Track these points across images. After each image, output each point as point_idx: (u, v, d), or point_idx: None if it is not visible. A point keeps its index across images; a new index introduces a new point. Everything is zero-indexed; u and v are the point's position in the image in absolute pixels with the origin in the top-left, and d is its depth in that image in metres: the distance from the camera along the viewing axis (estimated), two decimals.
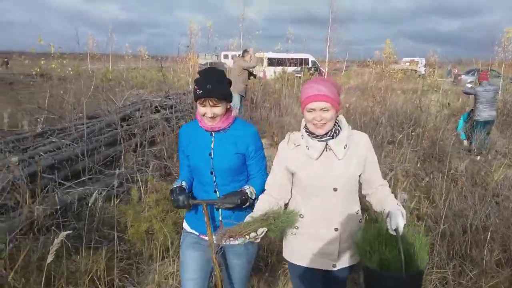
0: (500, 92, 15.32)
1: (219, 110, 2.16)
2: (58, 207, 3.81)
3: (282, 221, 1.99)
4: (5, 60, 17.78)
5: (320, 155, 2.05)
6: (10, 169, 3.76)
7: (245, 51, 9.69)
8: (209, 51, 20.74)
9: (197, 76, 2.18)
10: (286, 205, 2.22)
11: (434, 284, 3.01)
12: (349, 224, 2.11)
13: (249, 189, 2.19)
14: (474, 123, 8.32)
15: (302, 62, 23.71)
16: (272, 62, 22.82)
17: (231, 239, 1.90)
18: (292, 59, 20.91)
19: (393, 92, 13.79)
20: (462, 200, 4.26)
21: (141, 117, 6.36)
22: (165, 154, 6.17)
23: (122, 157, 5.62)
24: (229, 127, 2.26)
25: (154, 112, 7.79)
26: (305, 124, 2.10)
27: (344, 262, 2.14)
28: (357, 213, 2.17)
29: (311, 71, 20.60)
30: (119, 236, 3.50)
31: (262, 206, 2.09)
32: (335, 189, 2.05)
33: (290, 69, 19.29)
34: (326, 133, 2.04)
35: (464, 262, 3.24)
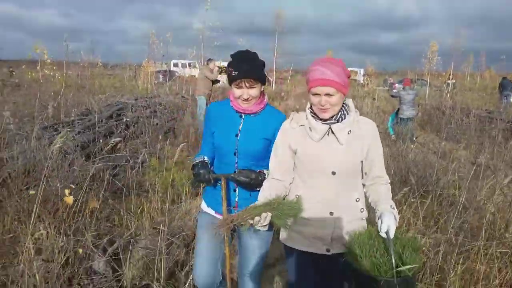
0: (426, 97, 17.96)
1: (255, 92, 2.13)
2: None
3: (287, 208, 1.93)
4: (10, 69, 19.76)
5: (322, 137, 1.99)
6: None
7: (209, 60, 11.15)
8: (164, 59, 22.10)
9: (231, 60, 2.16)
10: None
11: None
12: (346, 210, 2.04)
13: (267, 171, 2.16)
14: (399, 120, 10.33)
15: None
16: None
17: (232, 224, 1.82)
18: None
19: None
20: None
21: (133, 112, 7.62)
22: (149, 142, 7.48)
23: (123, 143, 6.89)
24: (260, 112, 2.24)
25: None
26: (311, 105, 2.04)
27: (339, 247, 2.04)
28: (356, 201, 2.07)
29: None
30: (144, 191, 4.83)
31: (266, 193, 2.00)
32: (333, 173, 1.98)
33: None
34: (332, 117, 1.97)
35: None
